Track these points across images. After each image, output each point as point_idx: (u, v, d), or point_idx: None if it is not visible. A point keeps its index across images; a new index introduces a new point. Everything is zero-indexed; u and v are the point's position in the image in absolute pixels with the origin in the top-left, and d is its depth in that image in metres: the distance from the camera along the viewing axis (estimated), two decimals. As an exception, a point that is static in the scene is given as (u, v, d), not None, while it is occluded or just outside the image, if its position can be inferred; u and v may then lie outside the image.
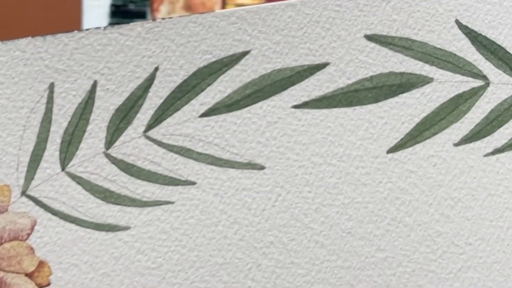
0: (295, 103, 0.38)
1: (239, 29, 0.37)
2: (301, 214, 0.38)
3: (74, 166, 0.37)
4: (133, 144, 0.37)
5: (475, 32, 0.38)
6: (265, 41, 0.37)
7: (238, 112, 0.38)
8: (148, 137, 0.37)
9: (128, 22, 0.37)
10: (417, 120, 0.38)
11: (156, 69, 0.37)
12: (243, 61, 0.38)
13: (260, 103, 0.38)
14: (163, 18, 0.37)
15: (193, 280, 0.38)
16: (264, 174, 0.38)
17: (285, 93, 0.38)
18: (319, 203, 0.38)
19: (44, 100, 0.37)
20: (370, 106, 0.38)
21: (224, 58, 0.37)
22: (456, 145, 0.38)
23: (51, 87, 0.37)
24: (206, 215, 0.38)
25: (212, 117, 0.38)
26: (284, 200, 0.38)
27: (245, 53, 0.37)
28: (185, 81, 0.37)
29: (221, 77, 0.37)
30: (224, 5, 1.05)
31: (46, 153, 0.37)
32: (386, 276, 0.38)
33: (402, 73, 0.38)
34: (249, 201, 0.38)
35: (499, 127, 0.38)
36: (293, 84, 0.38)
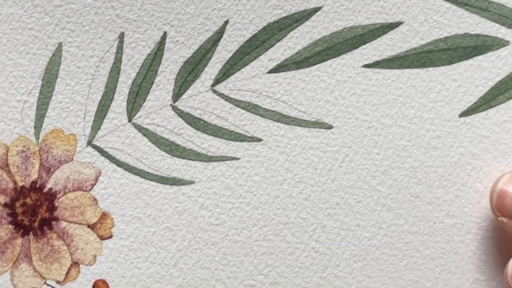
0: (366, 62, 0.37)
1: (312, -16, 0.37)
2: (368, 176, 0.37)
3: (141, 117, 0.37)
4: (200, 98, 0.37)
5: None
6: (338, -2, 0.37)
7: (307, 70, 0.37)
8: (215, 92, 0.37)
9: None
10: (491, 84, 0.37)
11: (226, 22, 0.37)
12: (314, 17, 0.37)
13: (330, 61, 0.37)
14: None
15: (256, 239, 0.37)
16: (331, 134, 0.37)
17: (356, 52, 0.37)
18: (388, 165, 0.37)
19: (114, 50, 0.37)
20: (443, 68, 0.37)
21: (295, 14, 0.37)
22: (532, 110, 0.37)
23: (121, 37, 0.37)
24: (271, 172, 0.37)
25: (281, 73, 0.37)
26: (351, 161, 0.37)
27: (317, 10, 0.37)
28: (254, 36, 0.37)
29: (291, 33, 0.37)
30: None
31: (113, 103, 0.37)
32: (455, 243, 0.37)
33: (477, 35, 0.37)
34: (316, 160, 0.37)
35: None
36: (364, 43, 0.37)
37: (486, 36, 0.37)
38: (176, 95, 0.37)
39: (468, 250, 0.37)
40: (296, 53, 0.37)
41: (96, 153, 0.37)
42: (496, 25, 0.37)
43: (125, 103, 0.37)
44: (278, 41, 0.37)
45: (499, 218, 0.35)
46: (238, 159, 0.37)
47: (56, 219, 0.37)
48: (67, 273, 0.37)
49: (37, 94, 0.36)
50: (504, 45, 0.37)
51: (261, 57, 0.37)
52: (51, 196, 0.37)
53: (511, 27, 0.37)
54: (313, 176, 0.37)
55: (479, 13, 0.37)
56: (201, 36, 0.37)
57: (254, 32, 0.37)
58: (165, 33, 0.37)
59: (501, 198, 0.35)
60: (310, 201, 0.37)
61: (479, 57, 0.37)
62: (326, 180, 0.37)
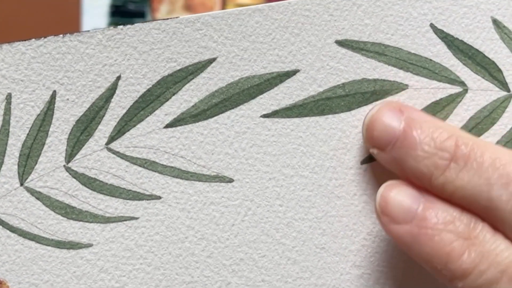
0: (264, 112, 0.36)
1: (204, 35, 0.36)
2: (272, 229, 0.36)
3: (33, 180, 0.36)
4: (94, 157, 0.36)
5: (451, 36, 0.36)
6: (232, 48, 0.36)
7: (204, 123, 0.36)
8: (110, 150, 0.36)
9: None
10: (392, 129, 0.36)
11: (118, 78, 0.36)
12: (209, 69, 0.36)
13: (227, 113, 0.36)
14: (124, 25, 0.36)
15: (159, 300, 0.36)
16: (232, 187, 0.36)
17: (253, 102, 0.36)
18: (291, 217, 0.36)
19: (1, 112, 0.35)
20: (343, 115, 0.36)
21: (189, 66, 0.36)
22: (434, 154, 0.36)
23: (9, 98, 0.35)
24: (172, 231, 0.36)
25: (178, 128, 0.36)
26: (254, 214, 0.36)
27: (211, 61, 0.36)
28: (148, 90, 0.36)
29: (187, 86, 0.36)
30: (224, 5, 1.04)
31: (3, 167, 0.35)
32: (363, 293, 0.36)
33: (375, 80, 0.36)
34: (217, 216, 0.36)
35: (479, 135, 0.36)
36: (262, 92, 0.36)
37: (384, 80, 0.36)
38: (69, 156, 0.36)
39: (376, 300, 0.36)
40: (193, 106, 0.36)
41: (-13, 219, 0.35)
42: (394, 69, 0.36)
43: (16, 167, 0.35)
44: (173, 94, 0.36)
45: (370, 150, 0.35)
46: (137, 218, 0.36)
47: None
48: None
49: None
50: (403, 89, 0.36)
51: (157, 112, 0.36)
52: None
53: (410, 71, 0.36)
54: (215, 232, 0.36)
55: (376, 57, 0.36)
56: (93, 93, 0.36)
57: (148, 87, 0.36)
58: (54, 92, 0.35)
59: (369, 130, 0.34)
60: (213, 258, 0.36)
61: (378, 102, 0.36)
62: (229, 236, 0.36)
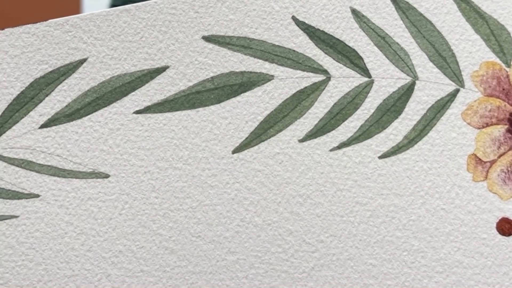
0: (136, 108, 0.38)
1: (74, 37, 0.37)
2: (149, 220, 0.37)
3: None
4: (-28, 159, 0.37)
5: (313, 27, 0.38)
6: (102, 48, 0.37)
7: (78, 121, 0.37)
8: (-13, 152, 0.37)
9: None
10: (260, 118, 0.38)
11: (-9, 82, 0.37)
12: (80, 69, 0.37)
13: (101, 111, 0.37)
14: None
15: (40, 295, 0.37)
16: (109, 182, 0.37)
17: (126, 99, 0.38)
18: (167, 208, 0.37)
19: None
20: (213, 107, 0.38)
21: (61, 68, 0.37)
22: (301, 140, 0.38)
23: None
24: (51, 227, 0.37)
25: (53, 127, 0.37)
26: (131, 208, 0.37)
27: (82, 61, 0.37)
28: (22, 93, 0.37)
29: (59, 86, 0.37)
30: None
31: None
32: (239, 279, 0.37)
33: (242, 72, 0.38)
34: (95, 211, 0.37)
35: (343, 121, 0.38)
36: (133, 89, 0.38)
37: (251, 72, 0.38)
38: None
39: (252, 285, 0.37)
40: (66, 106, 0.37)
41: None
42: (259, 61, 0.38)
43: None
44: (46, 95, 0.37)
45: None
46: (17, 216, 0.37)
47: None
48: None
49: None
50: (269, 80, 0.38)
51: (31, 113, 0.37)
52: None
53: (275, 62, 0.38)
54: (94, 226, 0.37)
55: (241, 51, 0.38)
56: (-33, 98, 0.37)
57: (21, 89, 0.37)
58: None
59: None
60: (93, 251, 0.37)
61: (246, 93, 0.38)
62: (107, 229, 0.37)
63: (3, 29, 0.37)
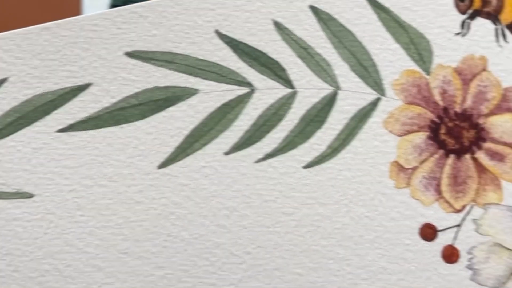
0: (60, 127, 0.37)
1: (-7, 57, 0.37)
2: (75, 239, 0.37)
3: None
4: None
5: (236, 40, 0.38)
6: (23, 67, 0.37)
7: (1, 142, 0.37)
8: None
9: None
10: (185, 132, 0.38)
11: None
12: (1, 89, 0.37)
13: (23, 130, 0.37)
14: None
15: (-34, 319, 0.36)
16: (33, 202, 0.37)
17: (48, 117, 0.37)
18: (93, 226, 0.37)
19: None
20: (138, 123, 0.38)
21: (-19, 88, 0.37)
22: (227, 153, 0.38)
23: None
24: (-24, 249, 0.37)
25: (-26, 148, 0.37)
26: (56, 227, 0.37)
27: (3, 81, 0.37)
28: None
29: (-20, 107, 0.37)
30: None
31: None
32: (167, 293, 0.38)
33: (166, 87, 0.38)
34: (20, 231, 0.37)
35: (268, 132, 0.38)
36: (56, 107, 0.37)
37: (175, 87, 0.38)
38: None
39: (181, 298, 0.37)
40: (-12, 126, 0.37)
41: None
42: (183, 75, 0.38)
43: None
44: (-33, 116, 0.37)
45: None
46: None
47: None
48: None
49: None
50: (194, 94, 0.38)
51: (-48, 134, 0.37)
52: None
53: (199, 76, 0.38)
54: (19, 247, 0.37)
55: (165, 65, 0.38)
56: None
57: None
58: None
59: None
60: (19, 271, 0.37)
61: (171, 108, 0.38)
62: (33, 249, 0.37)
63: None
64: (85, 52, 0.37)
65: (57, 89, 0.37)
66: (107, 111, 0.38)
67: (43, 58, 0.37)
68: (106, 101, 0.38)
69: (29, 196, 0.37)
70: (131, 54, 0.38)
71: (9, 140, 0.37)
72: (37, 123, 0.37)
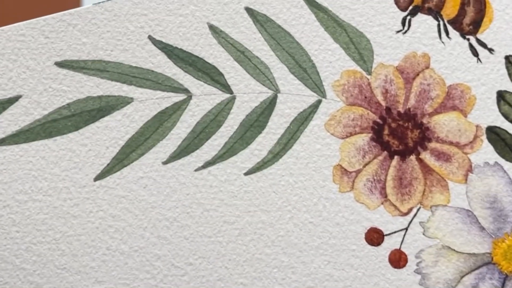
0: (-9, 141, 0.36)
1: None
2: (11, 255, 0.36)
3: None
4: None
5: (171, 46, 0.37)
6: (-51, 81, 0.36)
7: None
8: None
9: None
10: (121, 143, 0.37)
11: None
12: None
13: (-47, 146, 0.36)
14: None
15: None
16: (-34, 220, 0.36)
17: (-21, 132, 0.36)
18: (29, 242, 0.36)
19: None
20: (71, 135, 0.37)
21: None
22: (165, 162, 0.37)
23: None
24: None
25: None
26: (-9, 244, 0.36)
27: None
28: None
29: None
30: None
31: None
32: (108, 308, 0.37)
33: (100, 97, 0.37)
34: (-46, 250, 0.36)
35: (207, 139, 0.37)
36: (-14, 122, 0.36)
37: (109, 96, 0.37)
38: None
39: (122, 313, 0.37)
40: None
41: None
42: (117, 84, 0.37)
43: None
44: None
45: None
46: None
47: None
48: None
49: None
50: (128, 103, 0.37)
51: None
52: None
53: (133, 84, 0.37)
54: (-47, 267, 0.36)
55: (98, 74, 0.37)
56: None
57: None
58: None
59: None
60: (-46, 292, 0.36)
61: (106, 118, 0.37)
62: (-32, 268, 0.36)
63: None
64: (13, 63, 0.36)
65: (-14, 102, 0.36)
66: (39, 123, 0.36)
67: (-30, 71, 0.36)
68: (37, 114, 0.36)
69: (-39, 214, 0.36)
70: (61, 64, 0.37)
71: None
72: (-34, 139, 0.36)
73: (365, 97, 0.37)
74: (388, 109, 0.37)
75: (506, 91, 0.37)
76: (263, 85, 0.37)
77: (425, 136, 0.37)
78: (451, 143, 0.37)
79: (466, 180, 0.37)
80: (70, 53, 0.37)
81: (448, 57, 0.37)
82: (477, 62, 0.37)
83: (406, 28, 0.37)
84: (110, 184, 0.37)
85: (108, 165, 0.37)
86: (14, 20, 0.36)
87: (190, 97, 0.37)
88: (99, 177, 0.37)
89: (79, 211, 0.37)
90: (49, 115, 0.37)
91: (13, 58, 0.36)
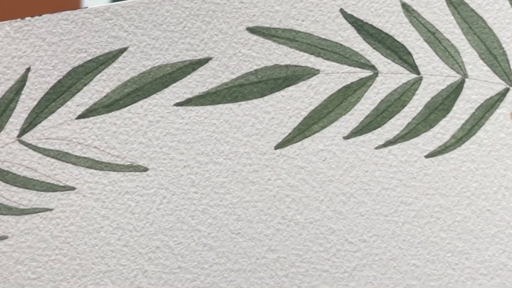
0: (177, 100, 0.36)
1: (114, 25, 0.36)
2: (187, 216, 0.36)
3: None
4: (6, 150, 0.36)
5: (361, 21, 0.37)
6: (143, 37, 0.36)
7: (117, 113, 0.36)
8: (22, 142, 0.36)
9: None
10: (304, 114, 0.37)
11: (28, 70, 0.35)
12: (120, 58, 0.36)
13: (140, 102, 0.36)
14: (32, 16, 0.35)
15: (75, 291, 0.36)
16: (147, 176, 0.36)
17: (166, 90, 0.36)
18: (206, 204, 0.36)
19: None
20: (256, 101, 0.37)
21: (100, 56, 0.36)
22: (346, 137, 0.37)
23: None
24: (87, 221, 0.36)
25: (90, 118, 0.36)
26: (169, 202, 0.36)
27: (122, 50, 0.36)
28: (59, 81, 0.36)
29: (98, 76, 0.36)
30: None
31: None
32: (278, 277, 0.36)
33: (287, 66, 0.37)
34: (133, 205, 0.36)
35: (389, 118, 0.37)
36: (174, 81, 0.36)
37: (296, 66, 0.37)
38: (-19, 149, 0.36)
39: (292, 284, 0.36)
40: (105, 96, 0.36)
41: None
42: (305, 54, 0.37)
43: None
44: (85, 85, 0.36)
45: None
46: (51, 209, 0.36)
47: None
48: None
49: None
50: (314, 74, 0.37)
51: (68, 103, 0.36)
52: None
53: (320, 56, 0.37)
54: (131, 221, 0.36)
55: (287, 43, 0.37)
56: (2, 86, 0.35)
57: (58, 78, 0.36)
58: (-37, 85, 0.35)
59: None
60: (129, 246, 0.36)
61: (291, 87, 0.37)
62: (145, 224, 0.36)
63: (40, 15, 0.35)
64: (206, 25, 0.36)
65: (176, 62, 0.36)
66: (226, 87, 0.37)
67: (164, 30, 0.36)
68: (225, 77, 0.37)
69: (144, 169, 0.36)
70: (252, 30, 0.37)
71: (126, 111, 0.36)
72: (154, 96, 0.36)
73: (554, 89, 0.37)
74: None
75: None
76: (452, 68, 0.37)
77: None
78: None
79: None
80: (262, 20, 0.37)
81: None
82: None
83: None
84: (290, 153, 0.37)
85: (289, 134, 0.37)
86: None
87: (376, 74, 0.37)
88: (280, 146, 0.37)
89: (258, 177, 0.37)
90: (236, 79, 0.37)
91: (207, 20, 0.36)
